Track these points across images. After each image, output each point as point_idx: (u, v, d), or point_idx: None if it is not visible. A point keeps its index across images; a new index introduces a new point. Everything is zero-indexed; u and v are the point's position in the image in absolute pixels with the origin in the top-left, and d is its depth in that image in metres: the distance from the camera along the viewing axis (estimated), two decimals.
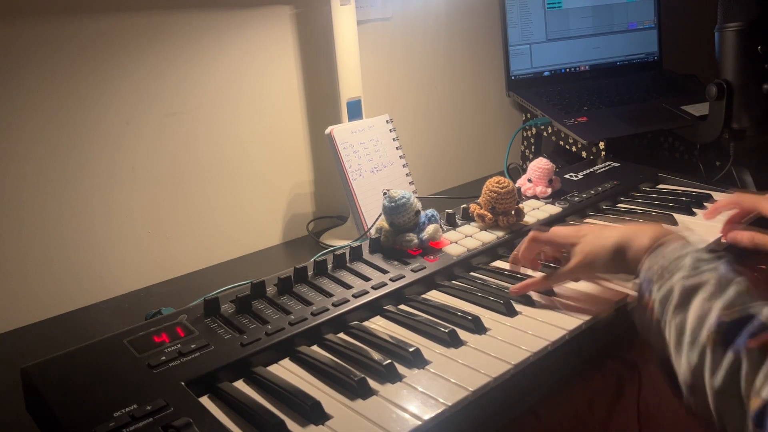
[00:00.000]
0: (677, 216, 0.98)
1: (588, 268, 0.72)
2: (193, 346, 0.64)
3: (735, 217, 0.91)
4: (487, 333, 0.69)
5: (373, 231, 0.89)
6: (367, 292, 0.75)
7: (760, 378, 0.49)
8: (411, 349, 0.64)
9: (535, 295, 0.76)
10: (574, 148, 1.36)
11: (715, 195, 1.05)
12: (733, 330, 0.52)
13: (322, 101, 1.20)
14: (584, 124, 1.31)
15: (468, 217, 0.96)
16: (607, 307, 0.73)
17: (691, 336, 0.54)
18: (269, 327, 0.68)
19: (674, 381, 0.57)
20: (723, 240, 0.89)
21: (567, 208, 1.01)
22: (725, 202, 0.93)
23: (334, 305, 0.72)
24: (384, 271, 0.80)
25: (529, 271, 0.81)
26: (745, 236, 0.87)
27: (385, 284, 0.77)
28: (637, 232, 0.67)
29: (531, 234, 0.78)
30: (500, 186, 0.91)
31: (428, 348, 0.66)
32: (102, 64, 0.95)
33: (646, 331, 0.62)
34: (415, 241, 0.84)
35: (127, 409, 0.55)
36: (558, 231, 0.77)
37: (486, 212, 0.93)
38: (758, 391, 0.48)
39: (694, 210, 1.01)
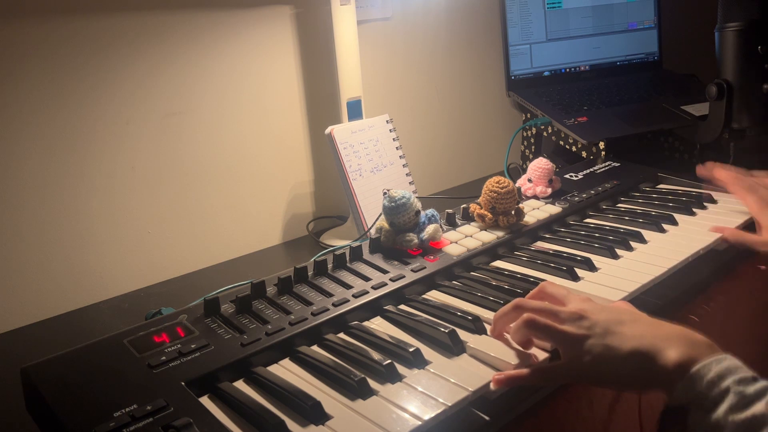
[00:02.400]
0: (677, 216, 0.98)
1: (590, 374, 0.58)
2: (193, 346, 0.64)
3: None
4: (487, 333, 0.69)
5: (373, 231, 0.89)
6: (367, 292, 0.75)
7: None
8: (411, 349, 0.64)
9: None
10: (574, 148, 1.36)
11: (715, 195, 1.05)
12: None
13: (322, 101, 1.20)
14: (584, 124, 1.31)
15: (468, 217, 0.96)
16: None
17: None
18: (269, 327, 0.68)
19: None
20: (710, 230, 0.91)
21: (567, 208, 1.01)
22: (721, 174, 0.96)
23: (334, 305, 0.72)
24: (384, 271, 0.80)
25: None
26: (729, 234, 0.88)
27: (385, 284, 0.77)
28: (661, 340, 0.56)
29: (527, 319, 0.62)
30: (500, 186, 0.91)
31: (428, 348, 0.66)
32: (102, 64, 0.95)
33: None
34: (415, 241, 0.84)
35: (127, 409, 0.55)
36: (558, 314, 0.62)
37: (486, 212, 0.93)
38: None
39: (694, 210, 1.01)
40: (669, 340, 0.55)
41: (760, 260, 0.89)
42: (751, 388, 0.50)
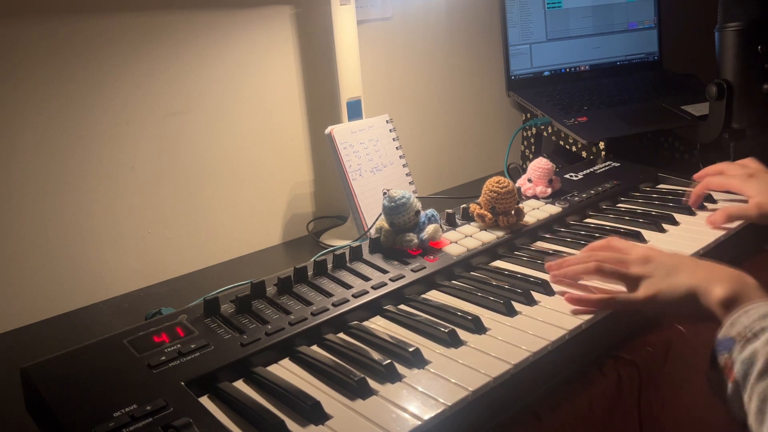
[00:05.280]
0: (677, 216, 0.98)
1: (656, 306, 0.68)
2: (193, 346, 0.64)
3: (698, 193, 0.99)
4: (487, 333, 0.69)
5: (373, 231, 0.89)
6: (367, 292, 0.75)
7: None
8: (411, 349, 0.64)
9: (536, 295, 0.76)
10: (574, 148, 1.36)
11: (715, 195, 1.05)
12: None
13: (322, 101, 1.20)
14: (584, 124, 1.31)
15: (468, 217, 0.96)
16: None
17: None
18: (269, 327, 0.68)
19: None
20: (707, 225, 0.93)
21: (567, 208, 1.01)
22: (699, 189, 0.99)
23: (334, 305, 0.72)
24: (384, 271, 0.80)
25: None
26: (719, 217, 0.90)
27: (385, 284, 0.77)
28: (712, 279, 0.65)
29: (597, 265, 0.73)
30: (500, 186, 0.91)
31: (428, 348, 0.66)
32: (102, 64, 0.95)
33: (718, 390, 0.59)
34: (415, 241, 0.84)
35: (127, 409, 0.55)
36: (624, 259, 0.72)
37: (486, 212, 0.93)
38: None
39: (695, 210, 1.01)
40: (722, 280, 0.64)
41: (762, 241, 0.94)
42: None
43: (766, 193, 0.89)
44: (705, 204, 1.03)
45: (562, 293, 0.76)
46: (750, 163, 0.96)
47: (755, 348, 0.55)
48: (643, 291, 0.69)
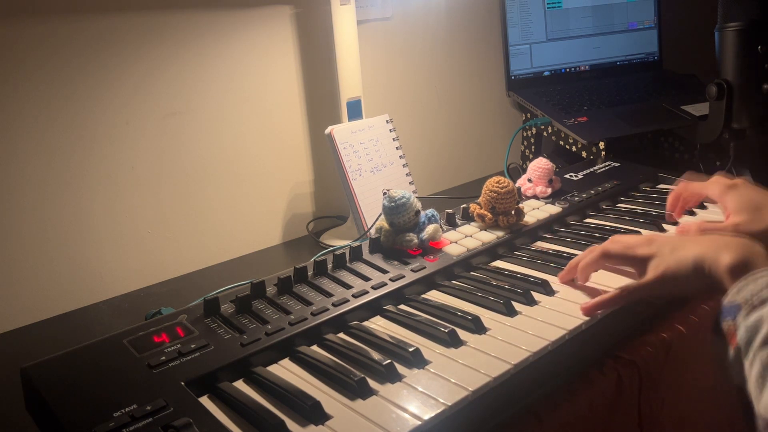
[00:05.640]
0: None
1: (666, 285, 0.68)
2: (193, 346, 0.64)
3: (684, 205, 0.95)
4: (487, 333, 0.69)
5: (373, 231, 0.89)
6: (367, 292, 0.75)
7: None
8: (411, 349, 0.64)
9: (536, 295, 0.76)
10: (574, 148, 1.36)
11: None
12: None
13: (322, 101, 1.20)
14: (584, 124, 1.31)
15: (468, 217, 0.96)
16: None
17: None
18: (269, 327, 0.68)
19: (747, 409, 0.54)
20: (676, 232, 0.89)
21: (567, 208, 1.01)
22: (674, 195, 0.94)
23: (334, 305, 0.72)
24: (384, 271, 0.80)
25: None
26: (692, 227, 0.85)
27: (385, 284, 0.77)
28: (719, 247, 0.64)
29: (602, 250, 0.73)
30: (500, 186, 0.91)
31: (428, 348, 0.66)
32: (102, 65, 0.95)
33: (721, 357, 0.58)
34: (415, 241, 0.84)
35: (127, 409, 0.55)
36: (629, 243, 0.72)
37: (486, 212, 0.93)
38: None
39: (695, 210, 1.01)
40: (729, 247, 0.63)
41: None
42: None
43: (747, 212, 0.81)
44: (705, 204, 1.03)
45: (562, 294, 0.76)
46: (721, 179, 0.89)
47: (761, 315, 0.54)
48: (651, 272, 0.68)
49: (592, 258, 0.74)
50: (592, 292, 0.75)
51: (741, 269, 0.60)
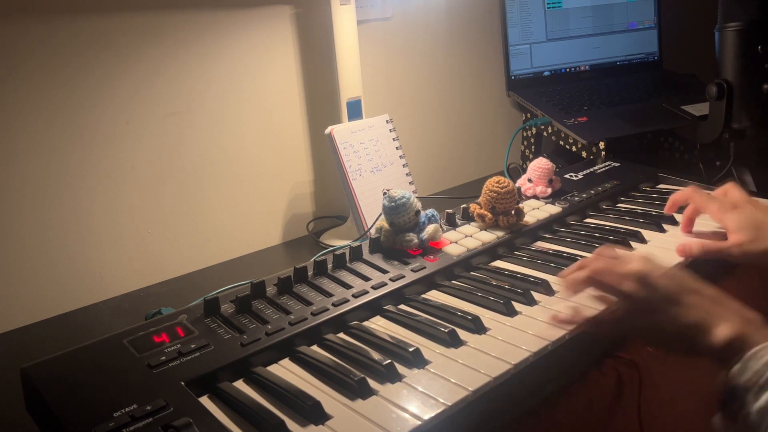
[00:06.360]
0: (677, 216, 0.97)
1: (645, 333, 0.64)
2: (193, 346, 0.64)
3: (689, 215, 0.91)
4: (487, 333, 0.69)
5: (373, 231, 0.89)
6: (367, 292, 0.75)
7: None
8: (411, 349, 0.64)
9: (536, 295, 0.76)
10: (574, 148, 1.36)
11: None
12: None
13: (322, 101, 1.20)
14: (584, 124, 1.31)
15: (468, 217, 0.96)
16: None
17: None
18: (269, 327, 0.68)
19: None
20: (676, 253, 0.85)
21: (567, 208, 1.01)
22: (681, 196, 0.91)
23: (334, 305, 0.72)
24: (384, 271, 0.80)
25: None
26: (695, 247, 0.83)
27: (385, 284, 0.77)
28: (716, 315, 0.59)
29: (591, 271, 0.66)
30: (500, 186, 0.91)
31: (428, 348, 0.66)
32: (102, 64, 0.95)
33: None
34: (415, 241, 0.84)
35: (127, 409, 0.55)
36: (621, 274, 0.64)
37: (486, 212, 0.93)
38: None
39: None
40: (726, 317, 0.59)
41: (744, 267, 0.85)
42: None
43: (748, 231, 0.79)
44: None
45: (562, 294, 0.76)
46: (732, 190, 0.87)
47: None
48: (636, 315, 0.63)
49: (579, 279, 0.67)
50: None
51: (737, 344, 0.57)
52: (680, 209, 0.94)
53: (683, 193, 0.91)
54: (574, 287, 0.68)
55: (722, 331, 0.58)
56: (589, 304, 0.70)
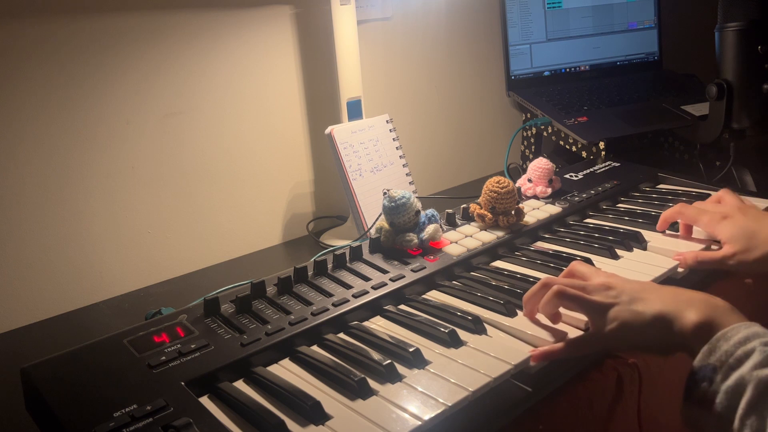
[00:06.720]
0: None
1: (621, 339, 0.63)
2: (193, 346, 0.64)
3: (684, 228, 0.91)
4: (487, 333, 0.69)
5: (373, 231, 0.89)
6: (367, 292, 0.75)
7: None
8: (411, 349, 0.64)
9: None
10: (574, 148, 1.36)
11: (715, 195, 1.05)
12: None
13: (322, 101, 1.20)
14: (584, 124, 1.31)
15: (468, 217, 0.96)
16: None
17: None
18: (269, 327, 0.68)
19: None
20: (673, 260, 0.84)
21: (567, 208, 1.01)
22: (671, 213, 0.90)
23: (334, 305, 0.72)
24: (384, 271, 0.80)
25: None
26: (689, 257, 0.83)
27: (385, 284, 0.77)
28: (682, 304, 0.60)
29: (557, 289, 0.66)
30: (500, 186, 0.91)
31: (428, 348, 0.66)
32: (102, 64, 0.95)
33: (699, 424, 0.55)
34: (415, 241, 0.84)
35: (127, 409, 0.55)
36: (585, 286, 0.66)
37: (486, 212, 0.93)
38: None
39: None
40: (690, 304, 0.59)
41: (739, 275, 0.85)
42: None
43: (740, 241, 0.80)
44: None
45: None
46: (726, 197, 0.88)
47: (741, 376, 0.52)
48: (606, 322, 0.63)
49: (546, 298, 0.67)
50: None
51: (707, 328, 0.57)
52: (673, 225, 0.93)
53: (673, 210, 0.90)
54: (541, 307, 0.68)
55: (690, 317, 0.58)
56: (560, 328, 0.69)
